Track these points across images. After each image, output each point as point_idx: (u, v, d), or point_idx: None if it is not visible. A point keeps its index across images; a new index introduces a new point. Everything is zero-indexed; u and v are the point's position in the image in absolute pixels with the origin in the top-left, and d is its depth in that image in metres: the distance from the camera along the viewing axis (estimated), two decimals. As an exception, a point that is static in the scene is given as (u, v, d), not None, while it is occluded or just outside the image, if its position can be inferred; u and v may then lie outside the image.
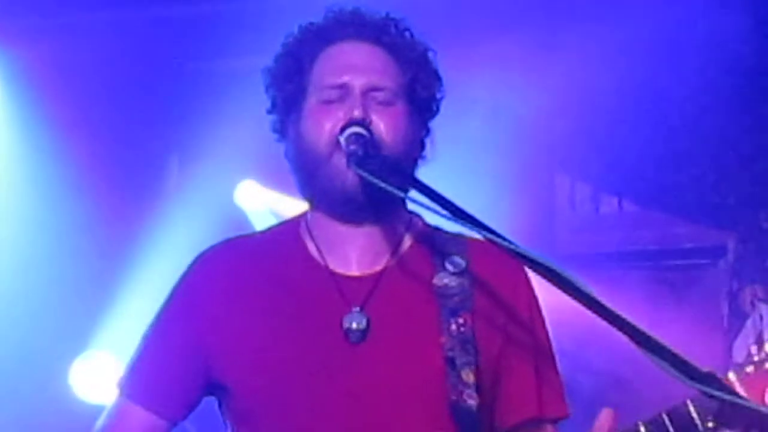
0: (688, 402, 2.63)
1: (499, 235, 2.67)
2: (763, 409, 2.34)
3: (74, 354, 5.97)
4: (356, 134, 2.90)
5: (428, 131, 3.10)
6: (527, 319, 3.04)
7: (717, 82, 6.05)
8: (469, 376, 2.91)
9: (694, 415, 2.62)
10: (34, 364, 5.91)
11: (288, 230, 3.11)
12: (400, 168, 2.88)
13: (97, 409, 5.82)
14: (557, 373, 3.06)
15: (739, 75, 6.04)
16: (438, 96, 3.11)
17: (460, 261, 3.02)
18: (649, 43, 5.89)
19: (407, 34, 3.08)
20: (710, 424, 2.50)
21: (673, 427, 2.66)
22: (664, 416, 2.66)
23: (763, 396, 2.59)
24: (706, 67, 6.04)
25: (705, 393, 2.37)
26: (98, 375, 5.87)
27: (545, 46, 6.11)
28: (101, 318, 5.92)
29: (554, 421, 3.05)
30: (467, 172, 5.78)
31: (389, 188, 2.79)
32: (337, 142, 2.92)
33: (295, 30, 3.11)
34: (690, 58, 6.02)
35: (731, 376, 2.62)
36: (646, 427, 2.67)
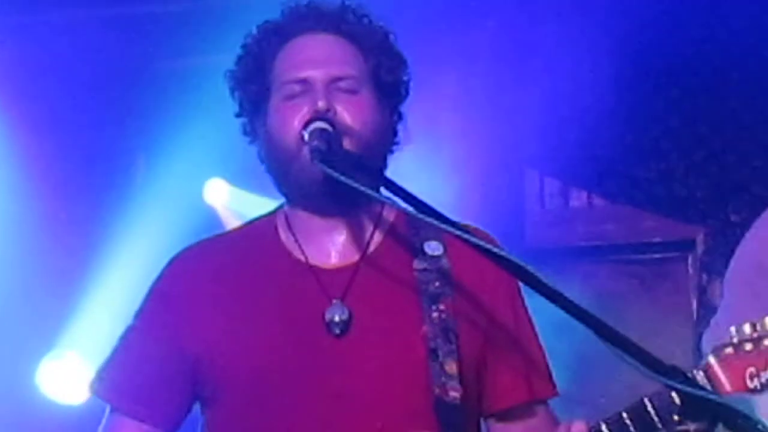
0: (645, 399, 2.62)
1: (465, 231, 2.67)
2: (727, 401, 2.34)
3: (41, 354, 5.93)
4: (320, 129, 2.90)
5: (400, 116, 3.09)
6: (510, 303, 3.03)
7: (686, 78, 6.07)
8: (452, 367, 2.89)
9: (651, 411, 2.61)
10: (0, 364, 5.86)
11: (264, 225, 3.11)
12: (364, 163, 2.88)
13: (65, 409, 5.81)
14: (543, 354, 3.06)
15: (708, 71, 6.06)
16: (404, 79, 3.09)
17: (437, 245, 3.00)
18: (617, 38, 5.90)
19: (366, 20, 3.07)
20: (675, 418, 2.50)
21: (633, 426, 2.64)
22: (624, 415, 2.65)
23: (743, 378, 2.57)
24: (674, 62, 6.06)
25: (670, 386, 2.38)
26: (66, 375, 5.84)
27: (515, 39, 6.11)
28: (69, 317, 5.88)
29: (544, 402, 3.05)
30: (436, 167, 5.78)
31: (353, 184, 2.79)
32: (303, 137, 2.92)
33: (254, 30, 3.10)
34: (659, 52, 6.04)
35: (711, 358, 2.59)
36: (608, 427, 2.66)
